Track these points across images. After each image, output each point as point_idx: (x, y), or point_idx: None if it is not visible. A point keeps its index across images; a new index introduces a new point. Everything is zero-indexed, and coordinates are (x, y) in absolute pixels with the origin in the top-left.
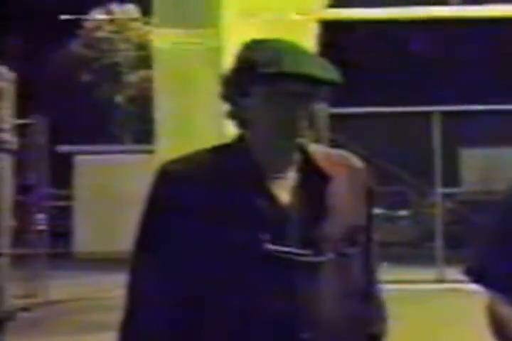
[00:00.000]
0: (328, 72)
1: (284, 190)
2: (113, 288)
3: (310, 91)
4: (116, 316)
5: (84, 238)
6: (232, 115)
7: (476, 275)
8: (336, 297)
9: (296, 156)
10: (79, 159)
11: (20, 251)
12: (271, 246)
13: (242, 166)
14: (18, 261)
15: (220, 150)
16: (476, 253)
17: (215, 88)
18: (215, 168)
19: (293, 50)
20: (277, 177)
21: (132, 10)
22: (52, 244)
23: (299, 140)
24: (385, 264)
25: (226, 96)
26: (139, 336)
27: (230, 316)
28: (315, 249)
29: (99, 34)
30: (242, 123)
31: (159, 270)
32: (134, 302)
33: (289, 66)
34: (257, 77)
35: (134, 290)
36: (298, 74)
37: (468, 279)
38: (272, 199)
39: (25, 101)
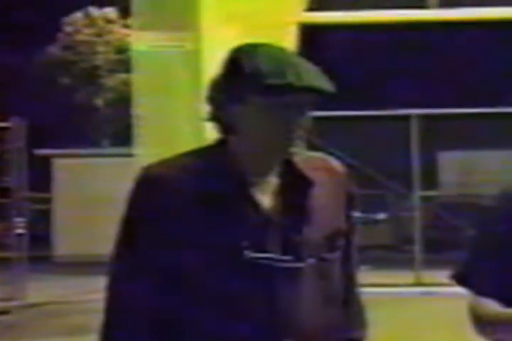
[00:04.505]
0: (325, 82)
1: (265, 194)
2: (92, 291)
3: (308, 101)
4: (96, 319)
5: (64, 241)
6: (217, 119)
7: (464, 281)
8: (316, 302)
9: (278, 161)
10: (58, 162)
11: None
12: (251, 253)
13: (224, 170)
14: None
15: (200, 154)
16: (466, 258)
17: (194, 91)
18: (196, 172)
19: (291, 58)
20: (259, 182)
21: (111, 13)
22: (32, 247)
23: (291, 150)
24: (363, 268)
25: (214, 101)
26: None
27: (209, 323)
28: (295, 254)
29: (79, 37)
30: (226, 128)
31: (139, 275)
32: (113, 309)
33: (293, 78)
34: (259, 87)
35: (113, 295)
36: (303, 87)
37: (454, 283)
38: (254, 204)
39: (4, 105)
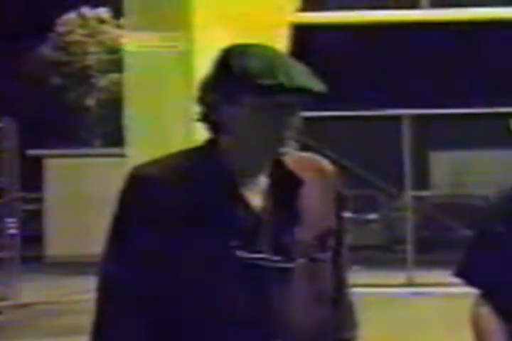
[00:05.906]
0: (315, 82)
1: (256, 194)
2: (84, 291)
3: (299, 101)
4: (88, 319)
5: (56, 241)
6: (208, 120)
7: (466, 278)
8: (307, 302)
9: (269, 161)
10: (49, 162)
11: None
12: (242, 253)
13: (215, 171)
14: None
15: (191, 154)
16: (468, 256)
17: (186, 91)
18: (186, 172)
19: (281, 59)
20: (249, 182)
21: (104, 13)
22: (24, 247)
23: (283, 149)
24: (354, 268)
25: (205, 101)
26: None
27: (201, 323)
28: (286, 254)
29: (71, 37)
30: (217, 128)
31: (129, 274)
32: (104, 309)
33: (284, 78)
34: (249, 88)
35: (104, 295)
36: (293, 87)
37: (458, 280)
38: (244, 204)
39: None
